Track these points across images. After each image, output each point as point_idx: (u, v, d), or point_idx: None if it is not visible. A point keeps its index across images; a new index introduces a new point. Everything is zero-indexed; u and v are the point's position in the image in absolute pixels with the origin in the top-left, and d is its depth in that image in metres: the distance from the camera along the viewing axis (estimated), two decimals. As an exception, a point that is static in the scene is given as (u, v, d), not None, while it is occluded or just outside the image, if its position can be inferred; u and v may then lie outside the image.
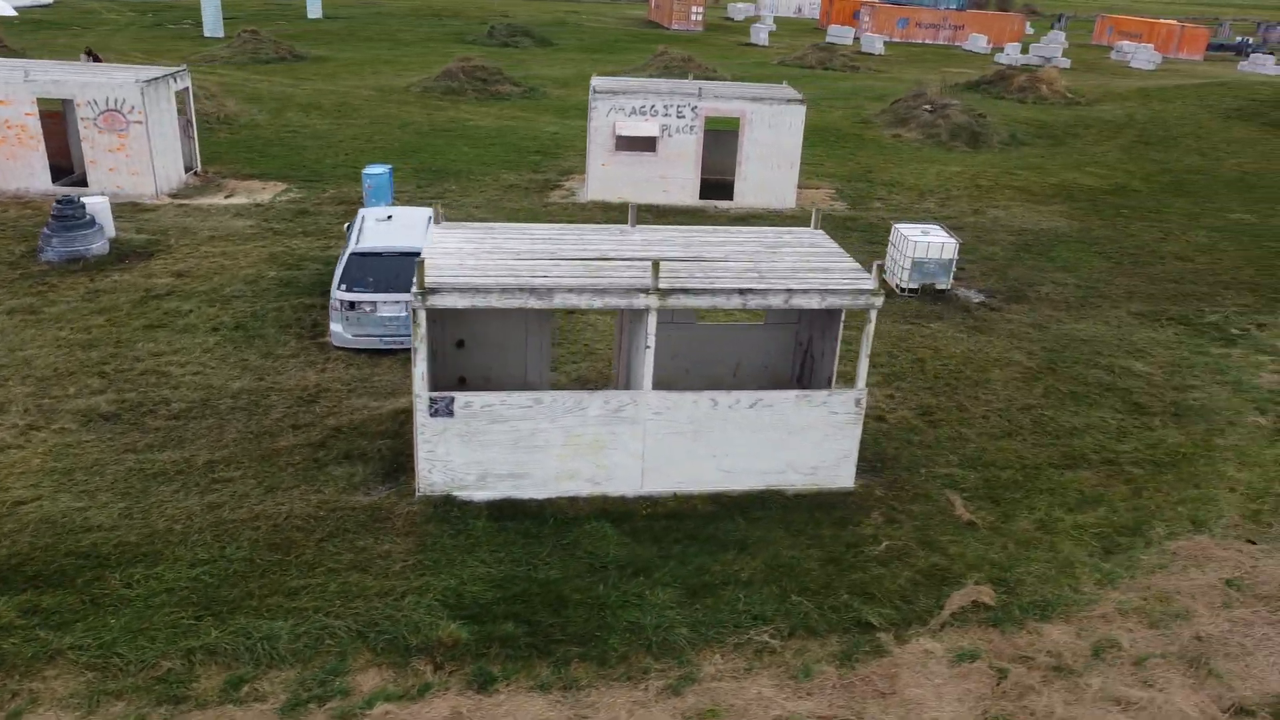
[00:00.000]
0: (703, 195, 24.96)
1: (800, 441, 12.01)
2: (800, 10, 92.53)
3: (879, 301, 11.39)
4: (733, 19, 78.86)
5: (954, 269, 19.25)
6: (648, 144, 24.15)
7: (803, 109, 23.97)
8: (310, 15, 64.10)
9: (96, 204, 19.86)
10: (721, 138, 25.35)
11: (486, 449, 11.55)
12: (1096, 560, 11.28)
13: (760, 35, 61.92)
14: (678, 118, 23.78)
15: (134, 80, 22.47)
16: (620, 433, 11.67)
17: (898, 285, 19.34)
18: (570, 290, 10.95)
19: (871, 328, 11.62)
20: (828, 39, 66.14)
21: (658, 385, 12.84)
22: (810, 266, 12.04)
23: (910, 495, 12.40)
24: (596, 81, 24.66)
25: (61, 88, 22.59)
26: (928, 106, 34.72)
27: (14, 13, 60.93)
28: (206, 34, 51.06)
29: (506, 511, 11.59)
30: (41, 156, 23.10)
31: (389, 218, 16.89)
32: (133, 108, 22.57)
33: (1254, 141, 36.45)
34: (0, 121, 22.58)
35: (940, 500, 12.30)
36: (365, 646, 9.43)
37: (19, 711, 8.49)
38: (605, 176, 24.43)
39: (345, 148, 29.10)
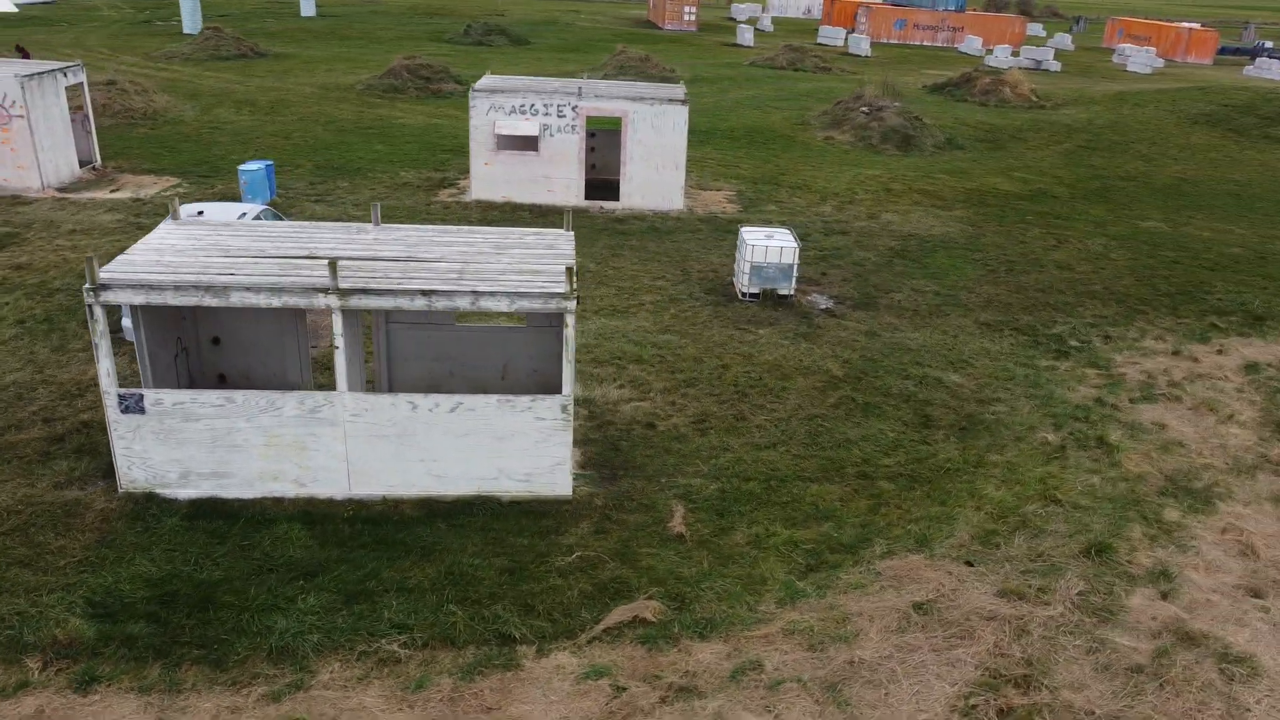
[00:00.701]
0: (590, 196, 24.73)
1: (510, 448, 11.77)
2: (810, 11, 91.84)
3: (571, 305, 11.12)
4: (735, 19, 78.35)
5: (795, 273, 18.83)
6: (529, 143, 23.97)
7: (684, 109, 23.62)
8: (304, 13, 64.81)
9: None
10: (614, 138, 25.11)
11: (184, 447, 11.45)
12: (792, 578, 10.91)
13: (745, 36, 61.43)
14: (558, 117, 23.56)
15: (13, 75, 22.75)
16: (321, 434, 11.51)
17: (740, 291, 18.98)
18: (248, 289, 10.80)
19: (570, 332, 11.34)
20: (818, 40, 65.54)
21: (420, 387, 12.65)
22: (524, 269, 11.80)
23: (634, 505, 12.10)
24: (484, 81, 24.54)
25: (-56, 81, 22.94)
26: (864, 109, 34.14)
27: (15, 8, 62.19)
28: (186, 30, 51.75)
29: (205, 510, 11.50)
30: (-68, 149, 23.49)
31: (199, 213, 16.90)
32: (14, 102, 22.85)
33: (1208, 148, 35.40)
34: (-112, 114, 22.99)
35: (663, 511, 11.99)
36: (-16, 643, 9.37)
37: None
38: (488, 176, 24.28)
39: (259, 144, 29.26)
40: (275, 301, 10.87)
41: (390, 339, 13.76)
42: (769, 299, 18.83)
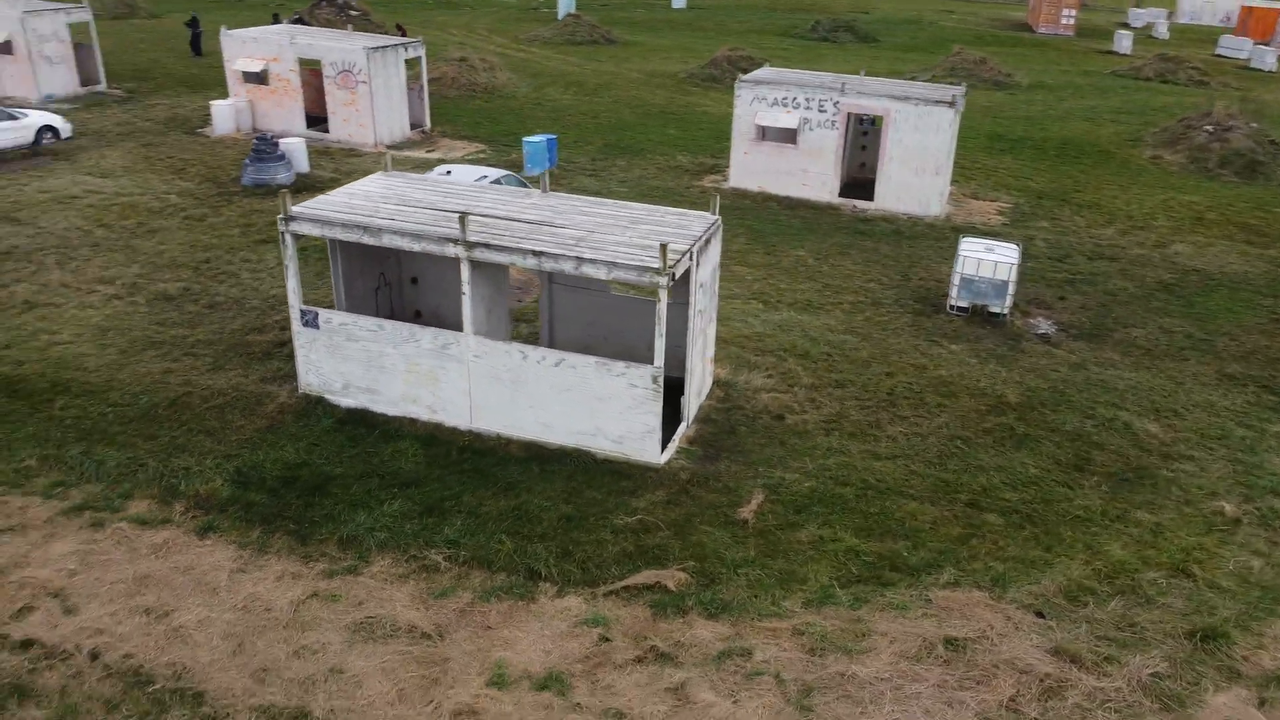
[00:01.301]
0: (847, 193, 24.47)
1: (606, 409, 12.49)
2: (1228, 19, 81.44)
3: (662, 280, 11.56)
4: (1131, 24, 71.48)
5: (1012, 291, 17.58)
6: (788, 136, 24.16)
7: (950, 112, 22.58)
8: (675, 5, 68.44)
9: (292, 144, 24.29)
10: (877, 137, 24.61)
11: (347, 362, 13.41)
12: (834, 585, 10.67)
13: (1122, 43, 55.98)
14: (819, 112, 23.53)
15: (362, 48, 26.81)
16: (449, 369, 12.95)
17: (950, 303, 18.08)
18: (395, 232, 12.44)
19: (662, 307, 11.79)
20: (1217, 51, 58.30)
21: (574, 348, 13.76)
22: (643, 243, 12.39)
23: (718, 486, 12.35)
24: (758, 73, 25.04)
25: (314, 51, 27.55)
26: (1208, 128, 30.25)
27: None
28: (560, 16, 56.84)
29: (355, 418, 13.41)
30: (299, 105, 28.34)
31: (448, 172, 19.17)
32: (361, 70, 26.95)
33: None
34: (273, 76, 28.07)
35: (742, 497, 12.14)
36: (156, 484, 11.79)
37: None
38: (746, 165, 24.82)
39: (566, 120, 31.90)
40: (415, 246, 12.41)
41: (553, 300, 14.97)
42: (978, 315, 17.78)
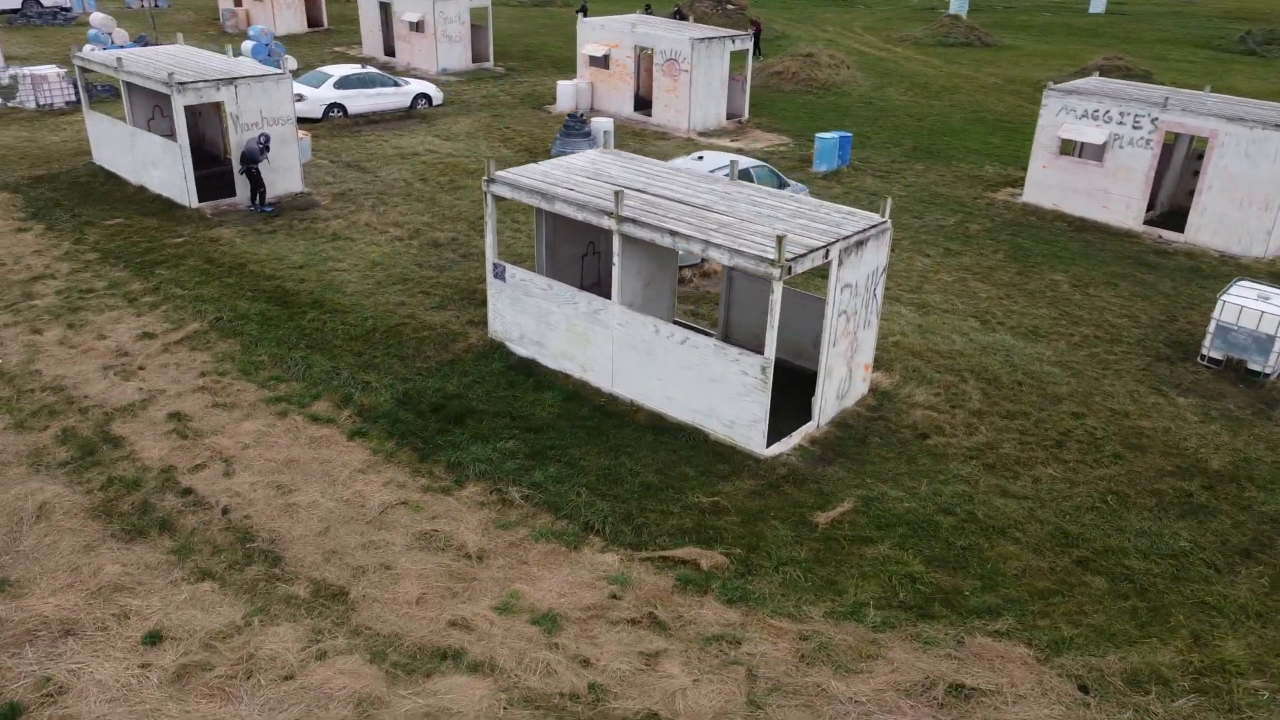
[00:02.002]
0: (1155, 221, 21.83)
1: (721, 391, 12.77)
2: None
3: (775, 272, 11.58)
4: None
5: (1278, 349, 14.96)
6: (1094, 152, 21.99)
7: (1289, 139, 19.30)
8: (1091, 10, 63.19)
9: (601, 124, 26.43)
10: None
11: (523, 315, 14.88)
12: (868, 604, 10.25)
13: None
14: (1132, 128, 21.17)
15: (689, 38, 28.32)
16: (598, 333, 13.92)
17: (1201, 352, 15.77)
18: (564, 201, 13.59)
19: (775, 298, 11.80)
20: None
21: (746, 338, 14.39)
22: (785, 236, 12.44)
23: (812, 488, 12.19)
24: (1079, 82, 23.01)
25: (648, 39, 29.56)
26: None
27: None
28: (950, 11, 54.91)
29: (522, 366, 14.86)
30: (630, 89, 30.61)
31: (699, 158, 20.00)
32: (685, 59, 28.52)
33: None
34: (613, 61, 30.56)
35: (830, 503, 11.89)
36: (339, 391, 14.06)
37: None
38: (1042, 180, 22.97)
39: (886, 121, 31.28)
40: (578, 215, 13.48)
41: (731, 288, 15.39)
42: (1233, 370, 15.37)
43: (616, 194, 12.99)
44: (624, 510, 11.63)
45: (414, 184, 23.37)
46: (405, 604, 10.09)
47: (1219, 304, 15.38)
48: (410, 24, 36.21)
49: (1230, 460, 13.09)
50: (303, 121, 28.37)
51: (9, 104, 29.18)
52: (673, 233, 12.54)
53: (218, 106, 22.40)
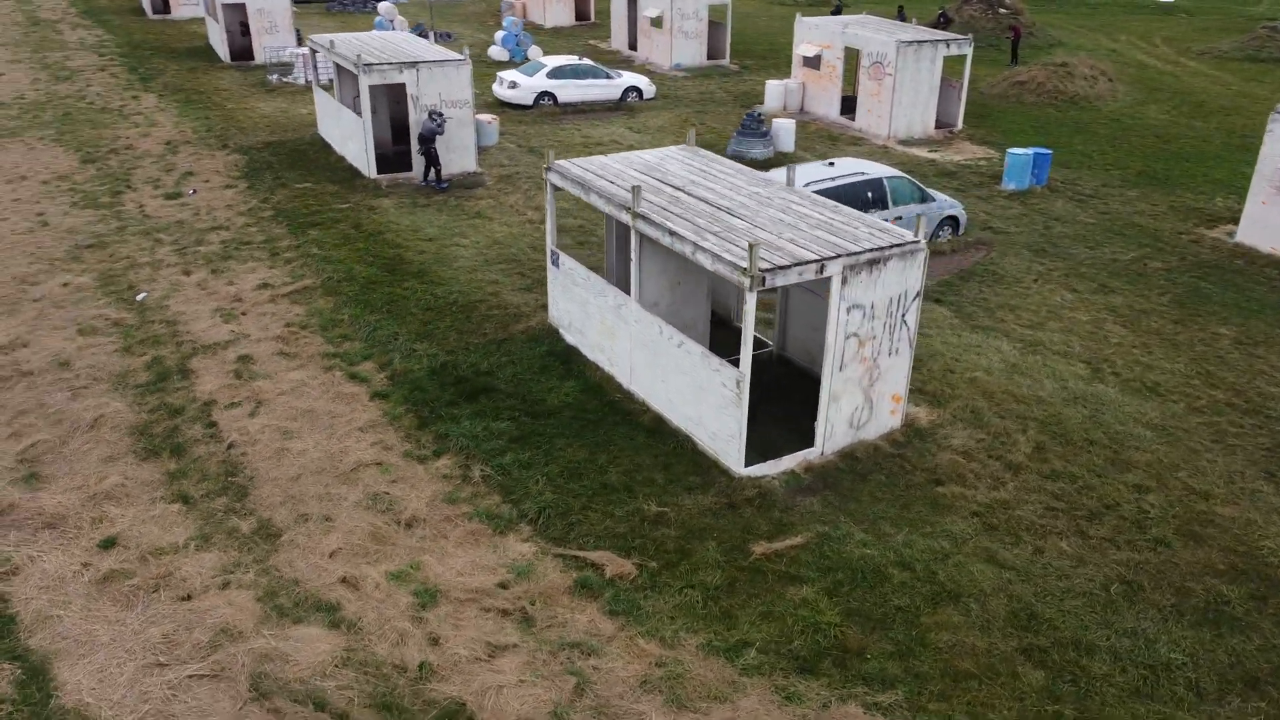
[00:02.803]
0: (1396, 280, 18.03)
1: (706, 400, 12.25)
2: None
3: (747, 282, 10.92)
4: None
5: None
6: (1323, 191, 18.48)
7: None
8: None
9: (783, 124, 25.80)
10: None
11: (571, 303, 15.05)
12: (754, 644, 9.49)
13: None
14: (1372, 165, 17.57)
15: (895, 40, 26.88)
16: (620, 329, 13.81)
17: (1353, 437, 12.94)
18: (594, 192, 13.58)
19: (748, 308, 11.12)
20: None
21: (799, 350, 14.05)
22: (790, 247, 11.72)
23: (776, 517, 11.41)
24: (1323, 105, 19.42)
25: (857, 41, 28.38)
26: None
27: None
28: (1271, 23, 47.85)
29: (565, 353, 15.03)
30: (838, 91, 29.58)
31: (830, 163, 19.07)
32: (889, 63, 27.13)
33: None
34: (824, 61, 29.68)
35: (776, 538, 11.07)
36: (387, 354, 14.95)
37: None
38: (1263, 219, 19.61)
39: (1127, 140, 27.93)
40: (606, 208, 13.42)
41: (789, 301, 14.68)
42: (1387, 467, 12.50)
43: (635, 189, 12.81)
44: (567, 505, 11.53)
45: (579, 172, 24.10)
46: (320, 555, 10.68)
47: (1376, 382, 12.55)
48: (650, 19, 37.16)
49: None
50: (514, 107, 30.13)
51: (284, 80, 33.28)
52: (671, 232, 12.18)
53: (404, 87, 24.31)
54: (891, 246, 11.92)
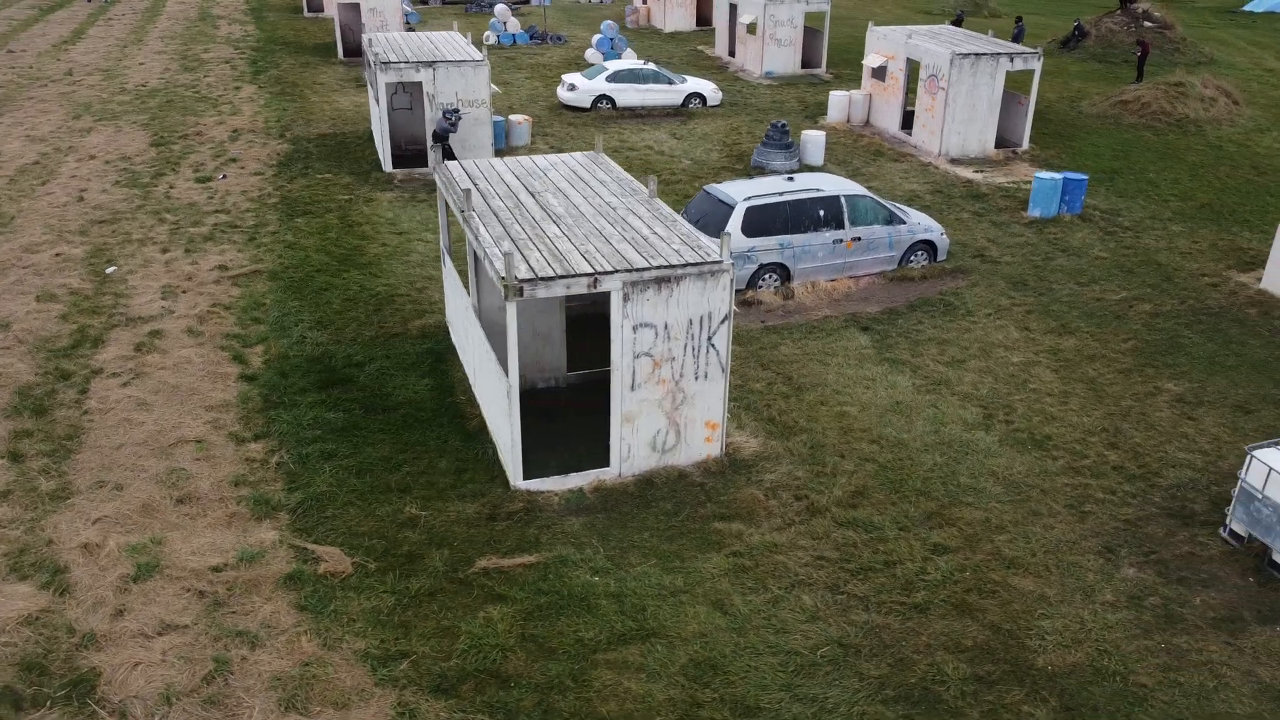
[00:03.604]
0: None
1: (497, 409, 12.09)
2: None
3: (503, 290, 10.69)
4: None
5: (1311, 544, 10.09)
6: (1350, 236, 15.95)
7: None
8: None
9: (812, 137, 24.81)
10: None
11: (452, 303, 15.16)
12: (393, 656, 9.32)
13: None
14: (1401, 209, 15.01)
15: (948, 53, 25.27)
16: (471, 330, 13.81)
17: (1226, 522, 11.15)
18: (449, 195, 13.62)
19: (509, 317, 10.87)
20: None
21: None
22: (585, 246, 11.40)
23: (526, 536, 11.12)
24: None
25: (917, 52, 26.85)
26: None
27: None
28: None
29: (441, 352, 15.17)
30: (899, 105, 28.13)
31: (790, 179, 18.24)
32: (944, 77, 25.55)
33: None
34: (889, 73, 28.30)
35: (520, 552, 10.78)
36: (278, 337, 15.58)
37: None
38: (1286, 264, 17.18)
39: (1210, 170, 25.02)
40: (453, 208, 13.45)
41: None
42: (1254, 557, 10.73)
43: (465, 192, 12.77)
44: (334, 499, 11.69)
45: (592, 175, 24.11)
46: (85, 521, 11.30)
47: (1248, 461, 10.78)
48: (745, 26, 36.58)
49: (1088, 662, 9.37)
50: (573, 110, 30.48)
51: (377, 75, 35.03)
52: (476, 235, 12.08)
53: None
54: (686, 266, 11.35)
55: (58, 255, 18.92)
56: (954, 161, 25.92)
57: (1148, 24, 40.17)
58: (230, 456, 12.57)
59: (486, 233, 12.12)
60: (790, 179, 18.28)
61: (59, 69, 35.69)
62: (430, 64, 23.06)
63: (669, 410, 12.00)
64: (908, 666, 9.36)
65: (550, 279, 10.92)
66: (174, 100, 31.11)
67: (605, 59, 37.29)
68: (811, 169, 24.58)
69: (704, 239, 12.06)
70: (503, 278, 10.82)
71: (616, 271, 11.11)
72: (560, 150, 26.11)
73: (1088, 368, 15.03)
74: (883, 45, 28.68)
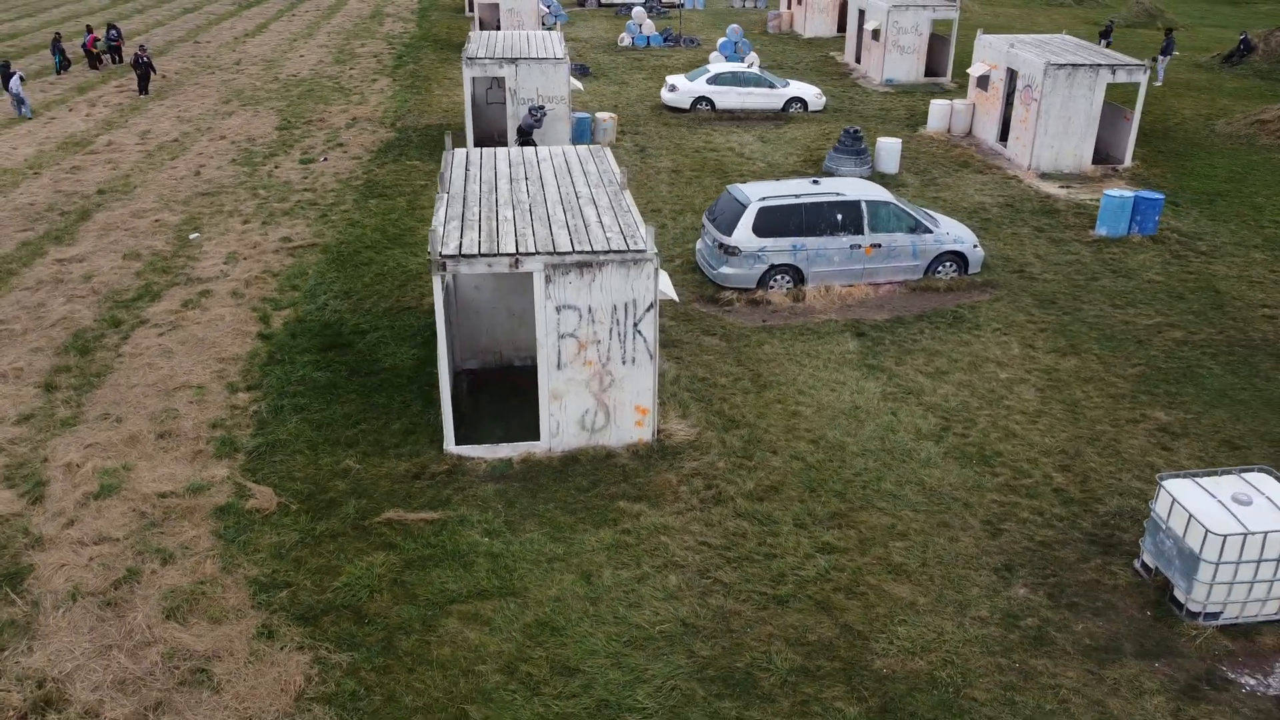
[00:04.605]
0: None
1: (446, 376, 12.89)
2: None
3: (430, 266, 11.48)
4: None
5: (1208, 579, 9.45)
6: None
7: None
8: None
9: (888, 145, 24.40)
10: None
11: (454, 281, 16.12)
12: (247, 581, 10.25)
13: None
14: None
15: (1043, 62, 24.23)
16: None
17: (1141, 557, 10.55)
18: (441, 181, 14.51)
19: (435, 292, 11.65)
20: None
21: None
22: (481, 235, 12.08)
23: (439, 496, 11.87)
24: None
25: (1013, 60, 25.86)
26: None
27: None
28: None
29: (441, 327, 16.16)
30: (998, 115, 27.15)
31: (815, 182, 18.18)
32: (1037, 87, 24.54)
33: None
34: (991, 82, 27.37)
35: (428, 509, 11.54)
36: (305, 303, 17.00)
37: (295, 254, 19.38)
38: (1346, 298, 15.68)
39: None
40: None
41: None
42: (1157, 590, 10.16)
43: (441, 175, 13.65)
44: (290, 446, 12.82)
45: (661, 174, 24.64)
46: (79, 446, 12.89)
47: (1159, 493, 10.19)
48: (870, 32, 36.08)
49: (926, 671, 9.22)
50: (673, 110, 31.07)
51: (504, 72, 36.74)
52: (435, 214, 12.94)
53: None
54: (609, 253, 11.81)
55: (157, 221, 21.20)
56: (1044, 176, 24.83)
57: (1320, 39, 36.80)
58: (219, 402, 13.96)
59: (442, 212, 12.96)
60: (816, 182, 18.24)
61: (231, 59, 39.35)
62: (513, 60, 24.23)
63: (597, 391, 12.48)
64: (739, 652, 9.50)
65: (472, 256, 11.63)
66: (314, 90, 33.77)
67: (727, 61, 37.66)
68: (885, 177, 24.19)
69: (641, 230, 12.44)
70: (428, 253, 11.62)
71: (538, 254, 11.70)
72: (643, 149, 26.76)
73: (1077, 389, 14.36)
74: (987, 54, 27.76)
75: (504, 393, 14.16)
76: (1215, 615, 9.78)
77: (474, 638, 9.65)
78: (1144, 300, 17.46)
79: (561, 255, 11.73)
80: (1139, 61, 24.90)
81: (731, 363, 15.18)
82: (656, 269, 12.00)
